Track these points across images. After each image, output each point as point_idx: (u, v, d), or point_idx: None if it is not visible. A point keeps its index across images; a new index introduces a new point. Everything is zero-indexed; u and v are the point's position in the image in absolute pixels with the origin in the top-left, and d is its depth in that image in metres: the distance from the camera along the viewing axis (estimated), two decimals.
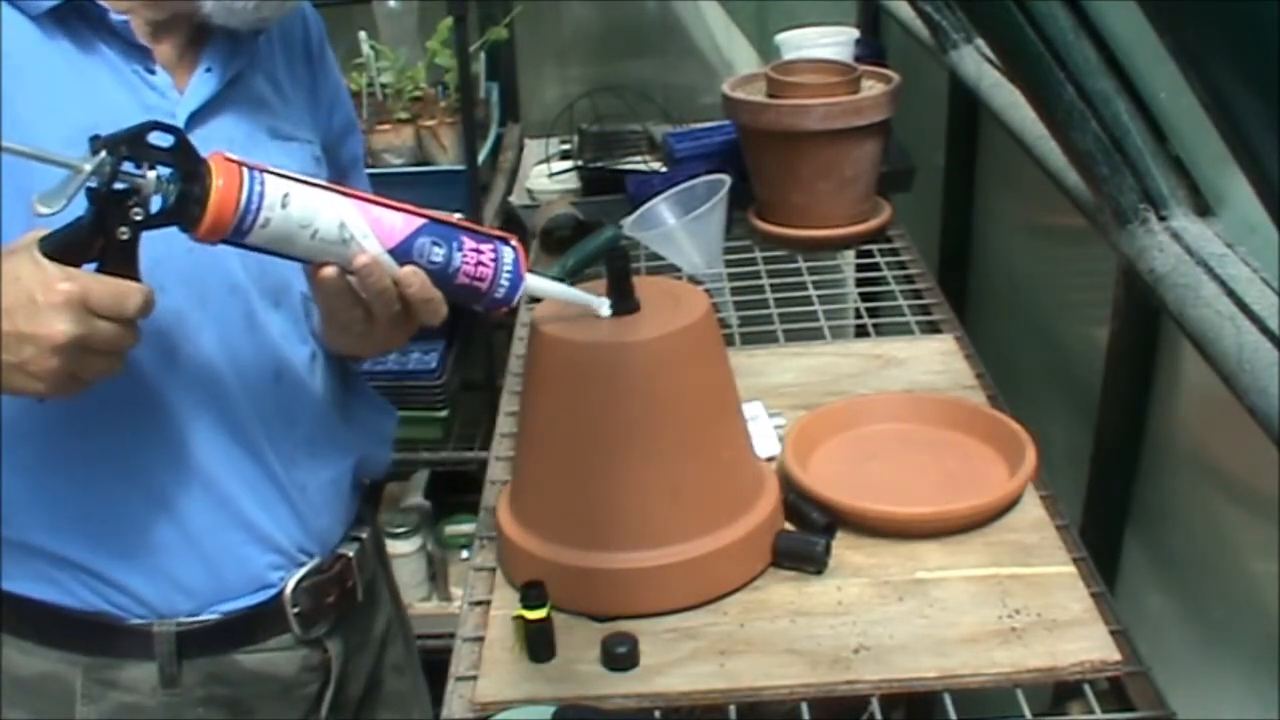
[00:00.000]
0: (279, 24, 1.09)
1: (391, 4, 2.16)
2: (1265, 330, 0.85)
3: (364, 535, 1.20)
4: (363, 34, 2.06)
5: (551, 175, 2.07)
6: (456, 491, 2.36)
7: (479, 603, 1.08)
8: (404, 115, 2.03)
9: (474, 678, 0.98)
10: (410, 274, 0.92)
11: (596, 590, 1.02)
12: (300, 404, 1.10)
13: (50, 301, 0.81)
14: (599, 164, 2.02)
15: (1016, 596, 1.01)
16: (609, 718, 0.93)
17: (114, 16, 0.97)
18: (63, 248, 0.83)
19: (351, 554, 1.17)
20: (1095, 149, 1.03)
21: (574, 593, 1.02)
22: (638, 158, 2.03)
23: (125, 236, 0.84)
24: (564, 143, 2.16)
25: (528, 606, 0.98)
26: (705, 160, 1.78)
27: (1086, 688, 0.93)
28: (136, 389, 1.00)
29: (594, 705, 0.94)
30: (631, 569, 1.01)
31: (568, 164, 2.08)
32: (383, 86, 2.08)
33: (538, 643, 0.99)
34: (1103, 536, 1.28)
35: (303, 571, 1.11)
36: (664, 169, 1.91)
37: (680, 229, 1.54)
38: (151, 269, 0.89)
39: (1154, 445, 1.24)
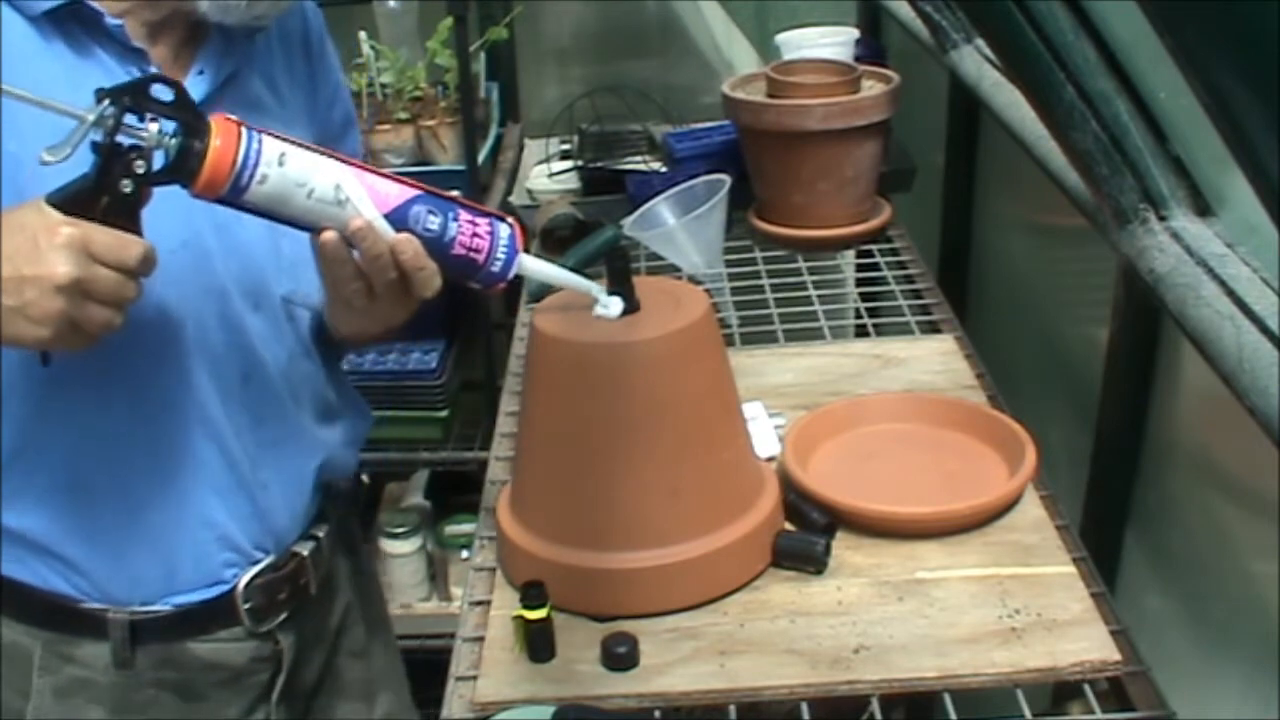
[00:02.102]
0: (278, 23, 1.10)
1: (391, 4, 2.16)
2: (1265, 330, 0.85)
3: (321, 534, 1.21)
4: (363, 34, 2.06)
5: (551, 175, 2.07)
6: (456, 491, 2.36)
7: (479, 603, 1.08)
8: (404, 115, 2.04)
9: (474, 678, 0.98)
10: (405, 241, 0.94)
11: (596, 590, 1.02)
12: (270, 405, 1.12)
13: (53, 243, 0.84)
14: (599, 164, 2.01)
15: (1016, 596, 1.01)
16: (609, 718, 0.93)
17: (109, 20, 0.98)
18: (69, 200, 0.86)
19: (306, 553, 1.19)
20: (1095, 149, 1.03)
21: (574, 593, 1.02)
22: (638, 158, 2.03)
23: (128, 189, 0.87)
24: (564, 143, 2.16)
25: (528, 606, 0.98)
26: (705, 160, 1.78)
27: (1086, 688, 0.94)
28: (113, 381, 1.02)
29: (594, 705, 0.94)
30: (631, 569, 1.01)
31: (568, 164, 2.08)
32: (383, 86, 2.08)
33: (538, 643, 0.99)
34: (1103, 536, 1.28)
35: (256, 569, 1.14)
36: (664, 169, 1.90)
37: (680, 229, 1.54)
38: None
39: (1154, 445, 1.24)
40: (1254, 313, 0.87)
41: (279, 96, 1.12)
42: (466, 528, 2.25)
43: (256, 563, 1.14)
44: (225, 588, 1.12)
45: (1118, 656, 0.94)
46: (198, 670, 1.15)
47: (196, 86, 1.03)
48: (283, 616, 1.17)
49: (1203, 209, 1.02)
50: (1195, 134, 0.98)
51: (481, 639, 1.03)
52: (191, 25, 1.03)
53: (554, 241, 1.74)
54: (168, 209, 0.92)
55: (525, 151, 2.36)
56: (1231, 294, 0.91)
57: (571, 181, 2.04)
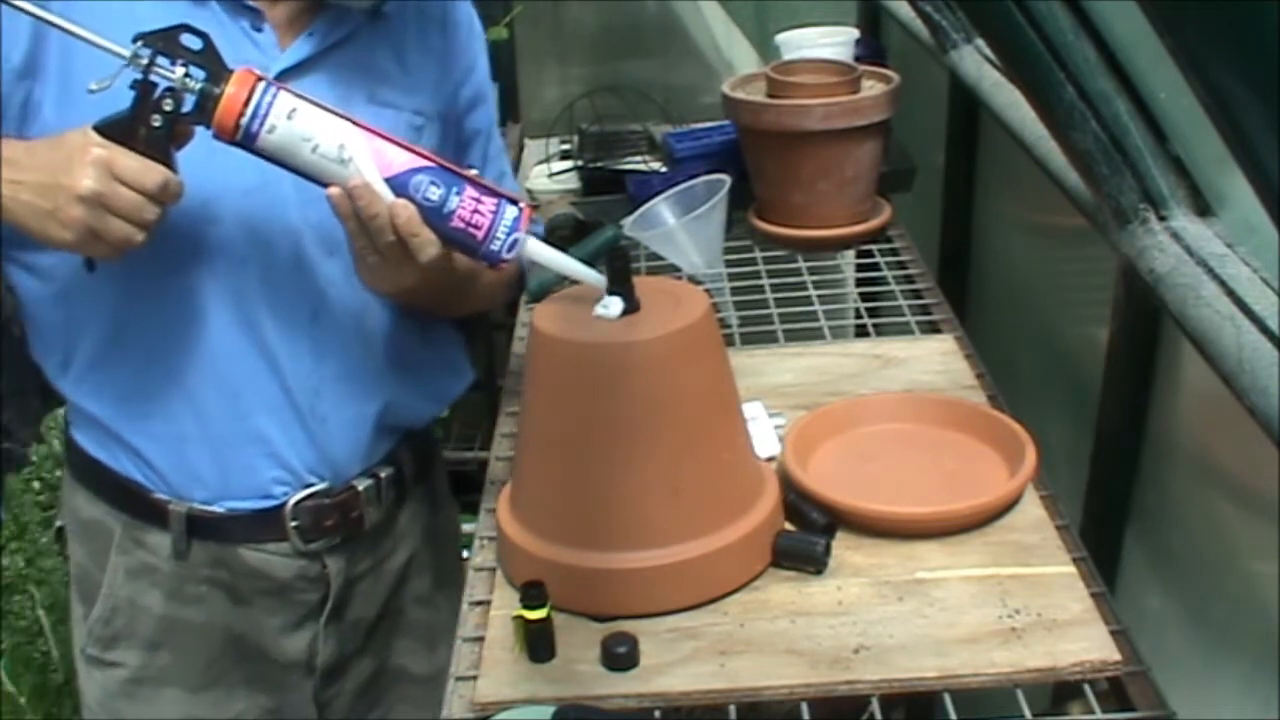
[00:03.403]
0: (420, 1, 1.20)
1: None
2: (1265, 330, 0.85)
3: (383, 474, 1.28)
4: None
5: (551, 175, 2.07)
6: (457, 491, 2.36)
7: (479, 603, 1.08)
8: None
9: (474, 678, 0.98)
10: (400, 205, 1.01)
11: (596, 590, 1.02)
12: (335, 344, 1.19)
13: (83, 160, 0.97)
14: (599, 164, 2.01)
15: (1016, 596, 1.01)
16: (609, 718, 0.93)
17: None
18: (110, 127, 0.98)
19: (362, 488, 1.26)
20: (1095, 149, 1.03)
21: (574, 593, 1.02)
22: (638, 158, 2.03)
23: (158, 124, 0.98)
24: (564, 143, 2.16)
25: (528, 606, 0.98)
26: (705, 160, 1.78)
27: (1086, 688, 0.93)
28: (183, 298, 1.14)
29: (594, 705, 0.94)
30: (631, 569, 1.01)
31: (568, 164, 2.08)
32: None
33: (538, 643, 0.99)
34: (1103, 536, 1.28)
35: (307, 492, 1.22)
36: (664, 169, 1.90)
37: (680, 229, 1.54)
38: (206, 203, 1.09)
39: (1154, 445, 1.24)
40: (1254, 313, 0.87)
41: (404, 65, 1.21)
42: (466, 528, 2.24)
43: (308, 486, 1.22)
44: (274, 502, 1.21)
45: (1118, 656, 0.94)
46: (246, 575, 1.24)
47: (303, 47, 1.14)
48: (332, 543, 1.25)
49: (1203, 209, 1.02)
50: (1195, 134, 0.98)
51: (481, 639, 1.03)
52: None
53: (554, 241, 1.73)
54: (247, 153, 1.02)
55: (525, 151, 2.36)
56: (1231, 294, 0.91)
57: (571, 181, 2.04)
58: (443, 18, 1.25)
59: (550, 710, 0.92)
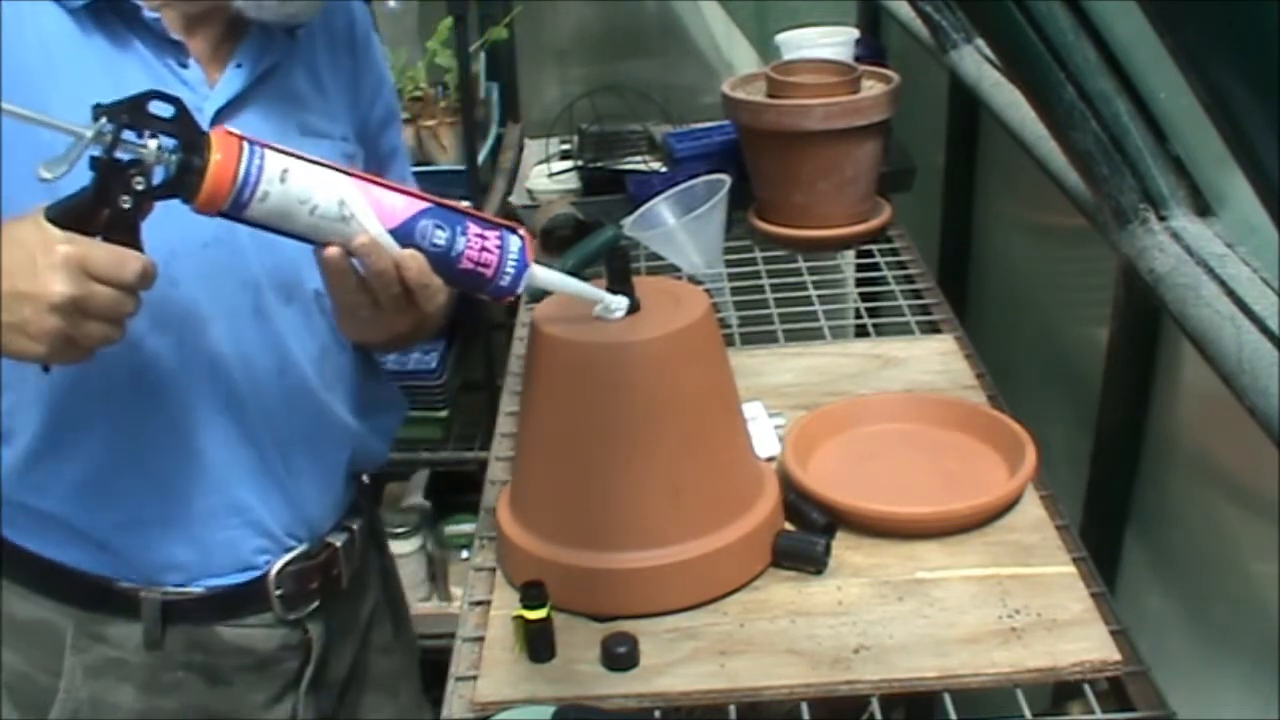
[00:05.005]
0: (323, 16, 1.10)
1: (391, 4, 2.16)
2: (1265, 330, 0.85)
3: (355, 526, 1.23)
4: None
5: (551, 175, 2.07)
6: (456, 491, 2.36)
7: (479, 603, 1.08)
8: (404, 115, 2.03)
9: (474, 678, 0.98)
10: (409, 257, 0.92)
11: (596, 590, 1.02)
12: (302, 396, 1.12)
13: (49, 262, 0.82)
14: (599, 164, 2.01)
15: (1016, 596, 1.01)
16: (609, 718, 0.93)
17: (147, 13, 1.00)
18: (68, 215, 0.84)
19: (339, 544, 1.20)
20: (1095, 149, 1.03)
21: (574, 593, 1.02)
22: (638, 158, 2.03)
23: (127, 205, 0.85)
24: (564, 143, 2.16)
25: (528, 606, 0.98)
26: (705, 160, 1.78)
27: (1086, 688, 0.94)
28: (145, 372, 1.03)
29: (594, 705, 0.94)
30: (631, 569, 1.01)
31: (568, 164, 2.08)
32: None
33: (538, 643, 0.99)
34: (1103, 536, 1.28)
35: (289, 557, 1.15)
36: (664, 169, 1.91)
37: (680, 229, 1.54)
38: (167, 262, 0.93)
39: (1154, 445, 1.24)
40: (1254, 313, 0.87)
41: (321, 89, 1.13)
42: (466, 528, 2.25)
43: (289, 550, 1.15)
44: (257, 573, 1.14)
45: (1118, 656, 0.94)
46: (225, 654, 1.16)
47: (234, 80, 1.05)
48: (313, 606, 1.19)
49: (1203, 209, 1.02)
50: (1195, 134, 0.98)
51: (481, 639, 1.03)
52: (231, 20, 1.04)
53: (554, 241, 1.74)
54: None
55: (525, 151, 2.36)
56: (1231, 294, 0.91)
57: (571, 181, 2.04)
58: (349, 34, 1.17)
59: (550, 710, 0.92)
